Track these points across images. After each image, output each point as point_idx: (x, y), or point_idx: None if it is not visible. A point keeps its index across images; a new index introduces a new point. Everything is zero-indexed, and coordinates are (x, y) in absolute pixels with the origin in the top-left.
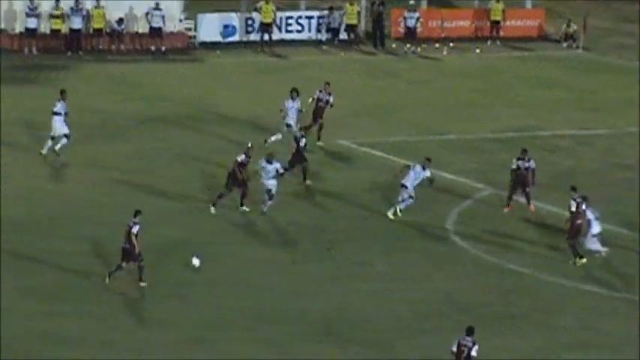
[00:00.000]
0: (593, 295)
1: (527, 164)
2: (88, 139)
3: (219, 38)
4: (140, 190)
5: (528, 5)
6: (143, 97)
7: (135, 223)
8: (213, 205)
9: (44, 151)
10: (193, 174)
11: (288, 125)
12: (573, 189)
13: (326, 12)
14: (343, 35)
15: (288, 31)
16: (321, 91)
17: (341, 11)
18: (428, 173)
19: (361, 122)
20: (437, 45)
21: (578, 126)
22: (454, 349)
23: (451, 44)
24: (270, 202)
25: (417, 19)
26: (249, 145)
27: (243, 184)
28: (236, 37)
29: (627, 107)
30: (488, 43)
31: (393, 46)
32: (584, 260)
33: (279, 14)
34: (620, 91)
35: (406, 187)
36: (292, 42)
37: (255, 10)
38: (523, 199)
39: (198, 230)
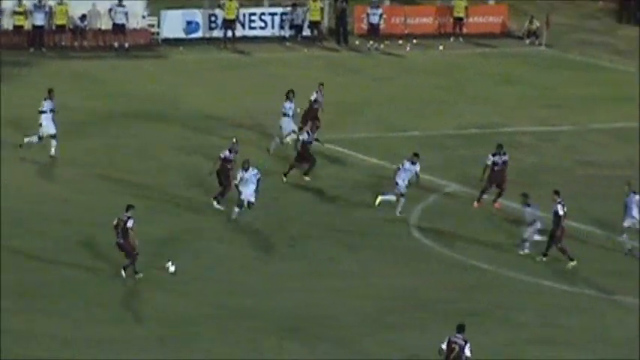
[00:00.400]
0: (555, 291)
1: (503, 158)
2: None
3: (182, 35)
4: (104, 187)
5: (491, 2)
6: (106, 93)
7: (128, 218)
8: (218, 202)
9: (23, 146)
10: (157, 170)
11: (294, 131)
12: (556, 193)
13: (289, 9)
14: (306, 32)
15: (251, 28)
16: (317, 92)
17: (304, 8)
18: (417, 168)
19: (324, 119)
20: (400, 41)
21: (540, 123)
22: (443, 346)
23: (414, 41)
24: (238, 210)
25: (380, 15)
26: (234, 140)
27: (227, 180)
28: (199, 34)
29: (589, 104)
30: (452, 39)
31: (356, 42)
32: (575, 263)
33: (242, 11)
34: (582, 88)
35: (397, 184)
36: (255, 38)
37: (219, 6)
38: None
39: (166, 227)
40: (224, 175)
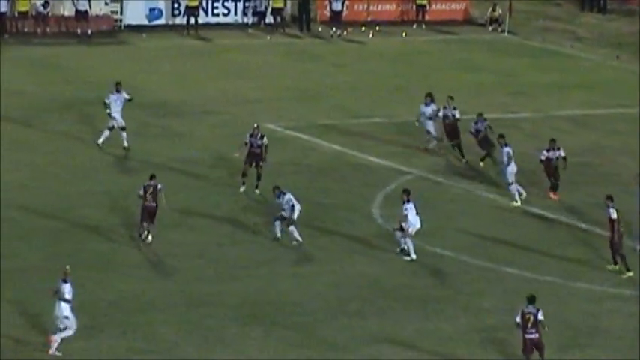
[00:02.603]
0: (518, 277)
1: (557, 154)
2: (13, 121)
3: (145, 21)
4: (64, 173)
5: None
6: (68, 80)
7: (157, 184)
8: (243, 183)
9: (100, 141)
10: (119, 156)
11: (428, 132)
12: (609, 198)
13: None
14: (269, 19)
15: (214, 15)
16: (445, 107)
17: None
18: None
19: (287, 105)
20: (363, 29)
21: (503, 109)
22: (518, 319)
23: (377, 28)
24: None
25: (343, 2)
26: (255, 125)
27: (257, 166)
28: (162, 21)
29: (551, 91)
30: (414, 26)
31: (319, 29)
32: (631, 273)
33: None
34: (544, 75)
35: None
36: (218, 25)
37: None
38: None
39: (123, 213)
40: (254, 160)
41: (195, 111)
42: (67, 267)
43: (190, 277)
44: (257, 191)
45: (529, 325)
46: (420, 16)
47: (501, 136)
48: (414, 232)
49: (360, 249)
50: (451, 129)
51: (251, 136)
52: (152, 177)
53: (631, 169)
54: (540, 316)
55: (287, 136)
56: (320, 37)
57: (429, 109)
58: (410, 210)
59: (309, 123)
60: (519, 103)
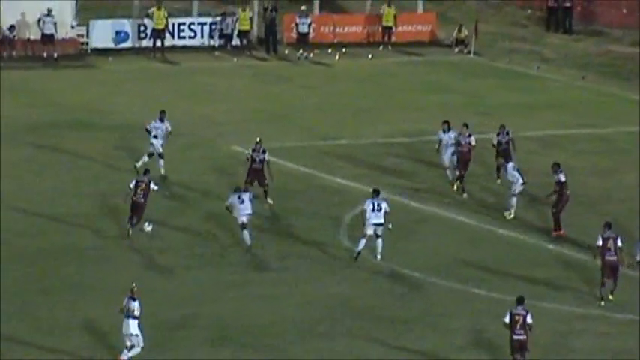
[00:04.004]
0: (485, 298)
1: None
2: None
3: (111, 45)
4: (31, 196)
5: (420, 11)
6: (35, 103)
7: (150, 180)
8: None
9: (138, 165)
10: (87, 179)
11: (447, 168)
12: (607, 225)
13: (218, 18)
14: (236, 41)
15: (180, 38)
16: (460, 134)
17: (233, 17)
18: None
19: (254, 128)
20: (329, 50)
21: (470, 130)
22: (507, 319)
23: (344, 50)
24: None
25: (309, 24)
26: (258, 139)
27: (261, 179)
28: (128, 44)
29: (518, 112)
30: (381, 48)
31: (286, 51)
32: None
33: (171, 20)
34: (510, 96)
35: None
36: (185, 48)
37: (147, 16)
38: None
39: (89, 235)
40: (256, 177)
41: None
42: (134, 284)
43: (160, 299)
44: (269, 201)
45: (518, 326)
46: (387, 38)
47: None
48: (369, 231)
49: (328, 270)
50: (463, 158)
51: (253, 150)
52: (146, 172)
53: (599, 189)
54: (530, 319)
55: None
56: (287, 59)
57: (446, 137)
58: (368, 205)
59: (276, 145)
60: (486, 123)
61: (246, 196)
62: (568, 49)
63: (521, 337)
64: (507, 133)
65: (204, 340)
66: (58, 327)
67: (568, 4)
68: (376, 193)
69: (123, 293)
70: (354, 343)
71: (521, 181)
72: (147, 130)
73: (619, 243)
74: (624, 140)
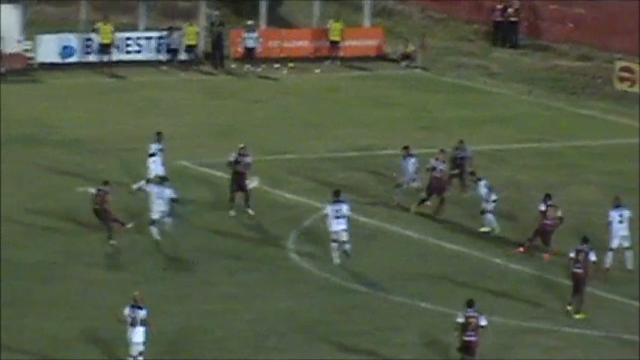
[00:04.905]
0: (432, 312)
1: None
2: None
3: (58, 59)
4: None
5: (367, 25)
6: None
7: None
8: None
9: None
10: (32, 194)
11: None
12: (584, 240)
13: (165, 32)
14: (183, 56)
15: (127, 52)
16: (437, 159)
17: (180, 32)
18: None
19: (201, 142)
20: (276, 65)
21: (417, 145)
22: (461, 320)
23: (290, 64)
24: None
25: (256, 39)
26: (242, 145)
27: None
28: (75, 58)
29: (465, 126)
30: (328, 62)
31: (233, 66)
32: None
33: (118, 35)
34: (457, 110)
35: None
36: (131, 63)
37: (94, 30)
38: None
39: (40, 251)
40: (240, 182)
41: (111, 148)
42: (137, 293)
43: (107, 314)
44: (250, 211)
45: (470, 328)
46: (334, 52)
47: (472, 173)
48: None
49: (276, 285)
50: (438, 183)
51: (238, 154)
52: (105, 183)
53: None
54: (483, 322)
55: (202, 173)
56: (234, 73)
57: (404, 163)
58: (329, 210)
59: (223, 160)
60: (433, 138)
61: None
62: (515, 63)
63: (472, 339)
64: (465, 149)
65: (151, 355)
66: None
67: (514, 19)
68: (336, 195)
69: (72, 308)
70: (303, 357)
71: (493, 197)
72: (150, 154)
73: (591, 257)
74: (571, 154)
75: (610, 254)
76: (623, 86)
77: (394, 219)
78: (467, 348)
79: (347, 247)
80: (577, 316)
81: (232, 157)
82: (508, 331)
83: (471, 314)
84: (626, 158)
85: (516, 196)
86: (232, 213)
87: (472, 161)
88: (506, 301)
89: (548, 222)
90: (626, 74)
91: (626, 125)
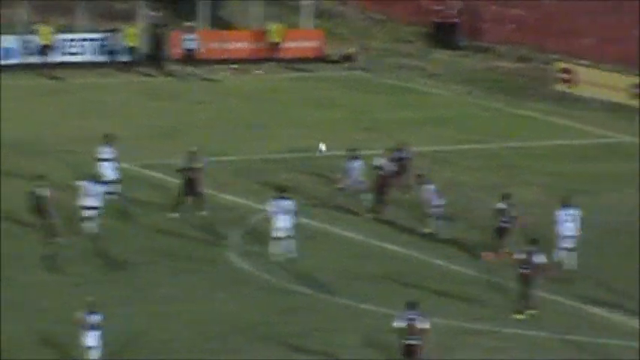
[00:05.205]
0: (373, 313)
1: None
2: None
3: None
4: None
5: (307, 26)
6: None
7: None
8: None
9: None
10: None
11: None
12: (534, 241)
13: (105, 34)
14: (123, 57)
15: (67, 54)
16: (384, 158)
17: (120, 33)
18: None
19: (143, 144)
20: (217, 66)
21: (357, 146)
22: (401, 324)
23: (231, 65)
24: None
25: (196, 40)
26: (193, 149)
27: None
28: (15, 60)
29: (405, 127)
30: (269, 64)
31: (173, 67)
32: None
33: (58, 36)
34: (397, 111)
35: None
36: (72, 64)
37: (33, 32)
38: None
39: None
40: (193, 186)
41: (51, 150)
42: (91, 298)
43: (46, 317)
44: (204, 212)
45: (412, 331)
46: (274, 54)
47: (420, 176)
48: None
49: (218, 287)
50: (384, 182)
51: (190, 159)
52: (44, 183)
53: (487, 204)
54: (425, 325)
55: (143, 175)
56: (174, 75)
57: (350, 166)
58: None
59: (164, 161)
60: (374, 139)
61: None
62: (454, 64)
63: (414, 342)
64: (405, 151)
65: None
66: None
67: (454, 20)
68: (281, 191)
69: (10, 309)
70: (244, 359)
71: (437, 202)
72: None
73: (538, 259)
74: (511, 155)
75: (560, 253)
76: (563, 87)
77: (335, 220)
78: (409, 352)
79: (290, 244)
80: (521, 317)
81: (184, 163)
82: (449, 332)
83: (411, 316)
84: (566, 159)
85: (457, 198)
86: (175, 215)
87: (413, 162)
88: (447, 302)
89: (505, 220)
90: (565, 75)
91: (565, 126)
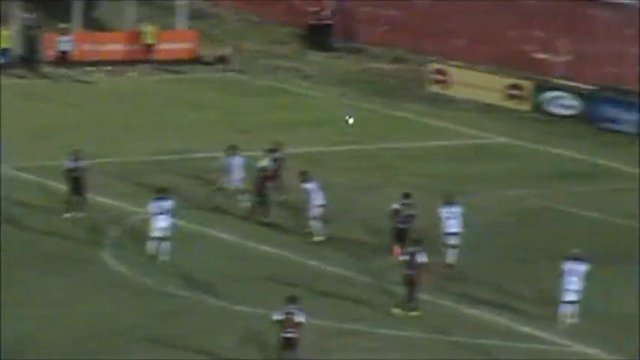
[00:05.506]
0: (248, 315)
1: None
2: None
3: None
4: None
5: (182, 28)
6: None
7: None
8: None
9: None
10: None
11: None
12: (416, 241)
13: None
14: None
15: None
16: (266, 159)
17: None
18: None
19: (16, 147)
20: (91, 68)
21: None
22: (279, 317)
23: (106, 67)
24: None
25: (70, 42)
26: (75, 149)
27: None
28: None
29: (281, 129)
30: (143, 65)
31: (47, 69)
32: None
33: None
34: (273, 113)
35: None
36: None
37: None
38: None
39: None
40: (77, 186)
41: None
42: None
43: None
44: (81, 214)
45: (289, 324)
46: (149, 55)
47: (304, 173)
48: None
49: (95, 289)
50: (265, 183)
51: (73, 160)
52: None
53: (362, 205)
54: (302, 319)
55: (16, 177)
56: (48, 77)
57: (227, 161)
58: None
59: (39, 163)
60: (248, 141)
61: None
62: (329, 66)
63: (291, 335)
64: (280, 152)
65: None
66: None
67: (328, 22)
68: (161, 192)
69: None
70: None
71: (318, 202)
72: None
73: (420, 259)
74: (386, 156)
75: (447, 251)
76: (437, 88)
77: (210, 222)
78: (287, 345)
79: (166, 245)
80: (397, 311)
81: (68, 164)
82: (326, 333)
83: (290, 310)
84: (441, 160)
85: (332, 199)
86: (68, 216)
87: (286, 164)
88: (323, 303)
89: (401, 220)
90: (439, 77)
91: (439, 127)
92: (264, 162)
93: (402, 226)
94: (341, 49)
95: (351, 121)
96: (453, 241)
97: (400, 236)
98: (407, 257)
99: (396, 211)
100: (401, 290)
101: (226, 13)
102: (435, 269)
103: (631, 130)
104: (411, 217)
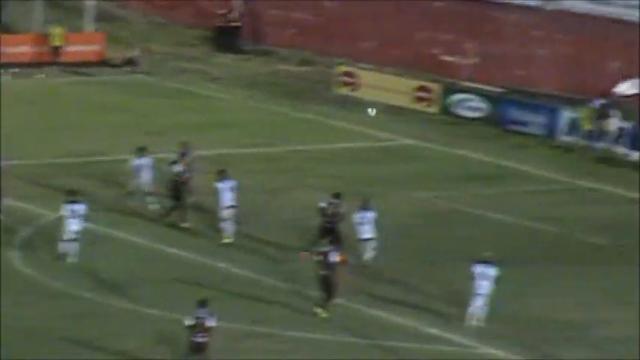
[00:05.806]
0: (158, 318)
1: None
2: None
3: None
4: None
5: (89, 30)
6: None
7: None
8: None
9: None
10: None
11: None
12: (332, 242)
13: None
14: None
15: None
16: (181, 164)
17: None
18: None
19: None
20: None
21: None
22: (190, 322)
23: (12, 70)
24: None
25: None
26: None
27: None
28: None
29: (189, 131)
30: (50, 68)
31: None
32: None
33: None
34: (181, 115)
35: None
36: None
37: None
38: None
39: None
40: None
41: None
42: None
43: None
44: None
45: (200, 329)
46: (56, 58)
47: (221, 172)
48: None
49: (1, 292)
50: (180, 187)
51: None
52: None
53: (271, 207)
54: (213, 323)
55: None
56: None
57: (137, 162)
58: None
59: None
60: (157, 143)
61: None
62: (237, 68)
63: (201, 340)
64: (188, 154)
65: None
66: None
67: (236, 24)
68: (72, 195)
69: None
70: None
71: (227, 204)
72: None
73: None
74: (294, 159)
75: (365, 248)
76: (345, 91)
77: (119, 224)
78: (197, 349)
79: (75, 247)
80: (323, 315)
81: None
82: (235, 336)
83: (200, 315)
84: (348, 162)
85: (241, 201)
86: None
87: (195, 166)
88: (230, 305)
89: (327, 220)
90: (347, 79)
91: (347, 129)
92: (179, 167)
93: (328, 225)
94: (249, 52)
95: (373, 113)
96: (368, 246)
97: (324, 235)
98: (321, 257)
99: (322, 210)
100: (313, 291)
101: (134, 15)
102: (351, 271)
103: (539, 132)
104: (337, 216)
